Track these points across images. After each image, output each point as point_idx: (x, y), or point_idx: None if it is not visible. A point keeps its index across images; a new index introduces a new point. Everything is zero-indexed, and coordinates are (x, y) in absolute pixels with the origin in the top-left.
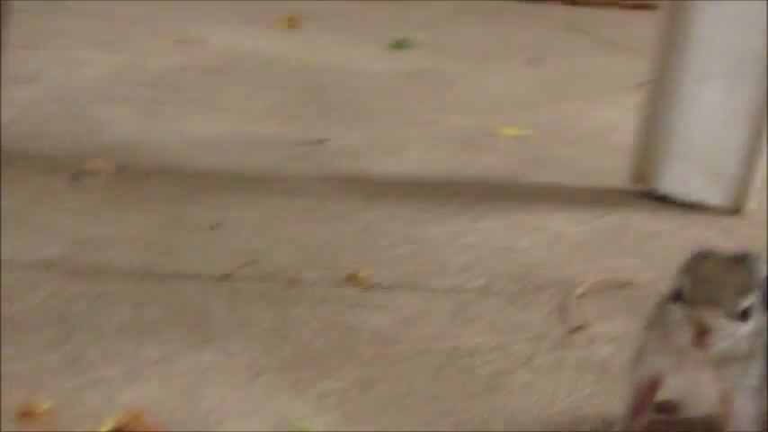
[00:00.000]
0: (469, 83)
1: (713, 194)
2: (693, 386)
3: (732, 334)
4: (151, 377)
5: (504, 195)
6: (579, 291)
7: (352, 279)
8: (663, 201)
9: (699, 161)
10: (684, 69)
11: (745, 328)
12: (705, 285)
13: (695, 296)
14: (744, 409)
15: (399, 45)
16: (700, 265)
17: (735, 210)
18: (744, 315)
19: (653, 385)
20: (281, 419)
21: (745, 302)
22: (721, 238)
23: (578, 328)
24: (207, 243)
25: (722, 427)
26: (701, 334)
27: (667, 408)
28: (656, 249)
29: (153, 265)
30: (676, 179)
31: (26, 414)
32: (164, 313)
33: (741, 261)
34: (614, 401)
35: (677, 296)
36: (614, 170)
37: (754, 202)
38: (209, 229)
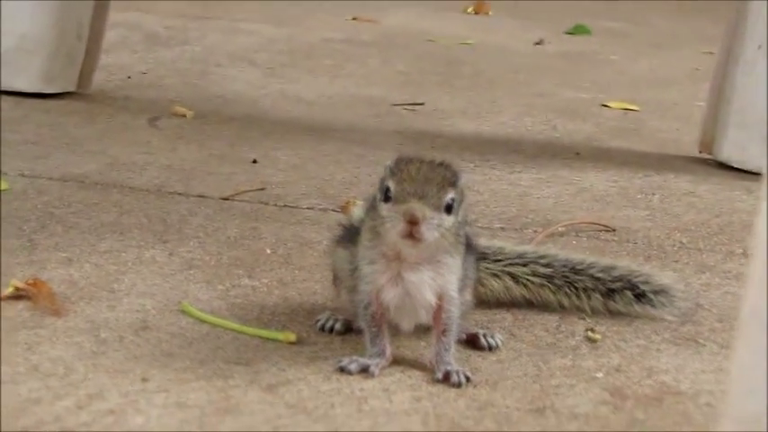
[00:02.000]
0: (619, 66)
1: None
2: (411, 291)
3: (439, 225)
4: (86, 262)
5: (561, 155)
6: (550, 230)
7: (345, 207)
8: (722, 168)
9: (755, 129)
10: (745, 36)
11: (450, 220)
12: (411, 183)
13: (403, 192)
14: (453, 300)
15: (576, 31)
16: (404, 166)
17: None
18: (448, 208)
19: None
20: (176, 302)
21: (449, 196)
22: (755, 201)
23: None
24: (234, 174)
25: (436, 317)
26: (412, 224)
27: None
28: (673, 206)
29: (167, 186)
30: (735, 146)
31: None
32: (144, 220)
33: (442, 164)
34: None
35: (386, 197)
36: (694, 142)
37: None
38: (250, 163)
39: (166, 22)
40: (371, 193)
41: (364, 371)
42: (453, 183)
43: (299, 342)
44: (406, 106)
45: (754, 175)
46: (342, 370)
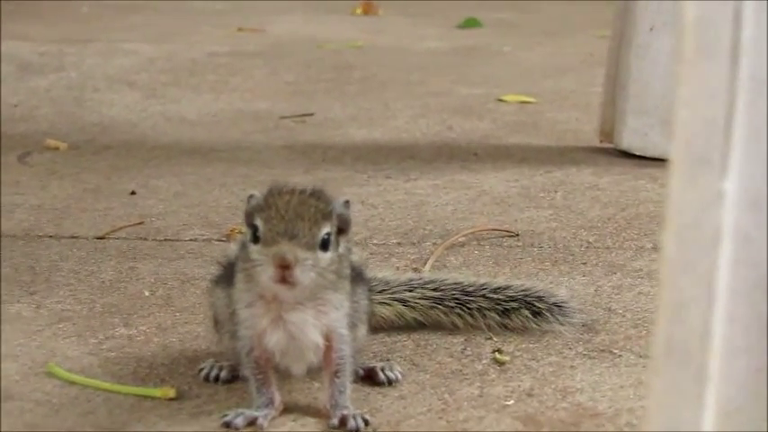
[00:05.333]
0: (512, 57)
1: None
2: (295, 332)
3: (315, 264)
4: None
5: (458, 157)
6: (449, 241)
7: (231, 235)
8: (624, 156)
9: (654, 114)
10: (636, 18)
11: (327, 257)
12: (280, 221)
13: (271, 233)
14: (342, 338)
15: (466, 24)
16: (272, 201)
17: None
18: (324, 245)
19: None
20: (43, 363)
21: (323, 232)
22: (661, 190)
23: (415, 270)
24: (110, 209)
25: (327, 358)
26: (283, 269)
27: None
28: (577, 203)
29: (36, 229)
30: (635, 134)
31: None
32: (10, 271)
33: (315, 195)
34: None
35: (254, 236)
36: (594, 131)
37: None
38: (128, 195)
39: (41, 49)
40: (243, 227)
41: (252, 424)
42: (327, 215)
43: (179, 397)
44: (294, 118)
45: (656, 161)
46: (227, 426)
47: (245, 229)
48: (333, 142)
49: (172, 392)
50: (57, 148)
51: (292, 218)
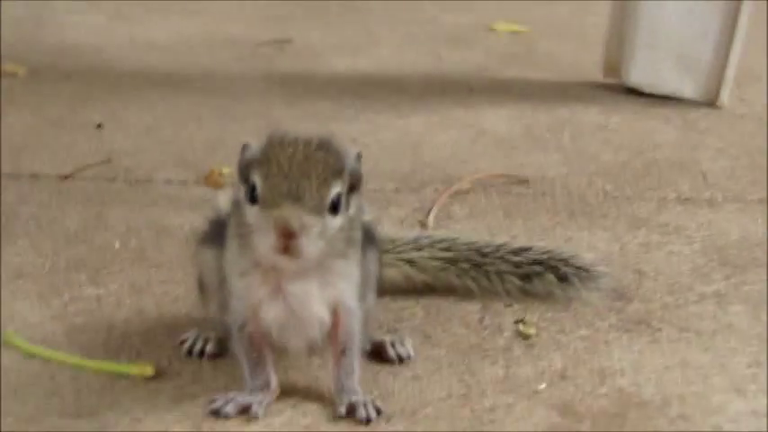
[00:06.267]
0: None
1: (684, 85)
2: (297, 306)
3: (323, 232)
4: None
5: (451, 91)
6: (453, 188)
7: (210, 178)
8: (632, 94)
9: (667, 49)
10: None
11: (337, 221)
12: (282, 178)
13: (272, 193)
14: (351, 312)
15: None
16: (273, 154)
17: (708, 102)
18: (334, 207)
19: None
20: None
21: (334, 191)
22: (676, 133)
23: (422, 224)
24: (74, 144)
25: (333, 335)
26: (287, 238)
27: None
28: (587, 145)
29: None
30: (645, 70)
31: None
32: None
33: (323, 146)
34: None
35: (251, 196)
36: (595, 65)
37: (727, 94)
38: (94, 128)
39: None
40: (236, 181)
41: (245, 412)
42: (338, 172)
43: (158, 375)
44: (271, 45)
45: (669, 100)
46: (216, 413)
47: (237, 182)
48: (314, 72)
49: (150, 370)
50: (15, 74)
51: (297, 175)
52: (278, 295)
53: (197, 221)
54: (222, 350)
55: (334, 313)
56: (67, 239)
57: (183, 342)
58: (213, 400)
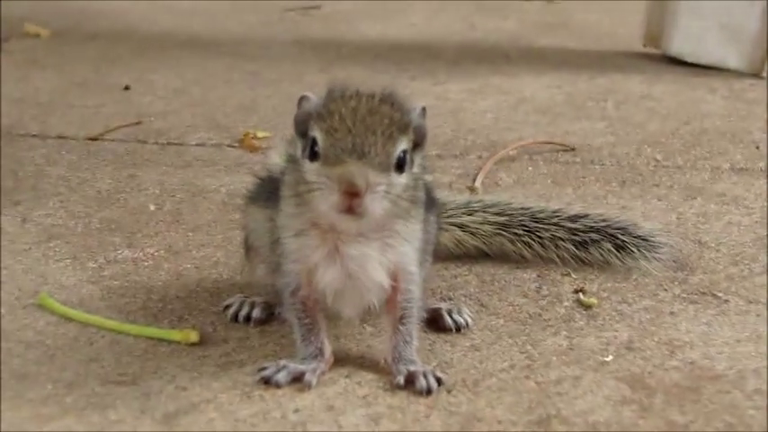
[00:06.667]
0: None
1: (728, 55)
2: (355, 270)
3: (389, 191)
4: None
5: (487, 59)
6: (499, 154)
7: (245, 141)
8: (674, 63)
9: (712, 17)
10: None
11: (402, 180)
12: (346, 133)
13: (335, 149)
14: (412, 277)
15: None
16: (335, 107)
17: (753, 72)
18: (399, 165)
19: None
20: (32, 292)
21: (399, 149)
22: (723, 103)
23: (471, 189)
24: (102, 105)
25: (391, 301)
26: (351, 197)
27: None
28: (632, 114)
29: (18, 126)
30: (688, 39)
31: None
32: None
33: (387, 100)
34: None
35: (311, 152)
36: (632, 35)
37: None
38: (121, 90)
39: None
40: (291, 134)
41: (297, 380)
42: (404, 127)
43: (202, 342)
44: (299, 10)
45: (712, 70)
46: (266, 382)
47: (293, 137)
48: (345, 38)
49: (194, 336)
50: (37, 35)
51: (362, 130)
52: (335, 258)
53: (234, 184)
54: (270, 316)
55: (394, 278)
56: (100, 201)
57: (227, 307)
58: (263, 368)
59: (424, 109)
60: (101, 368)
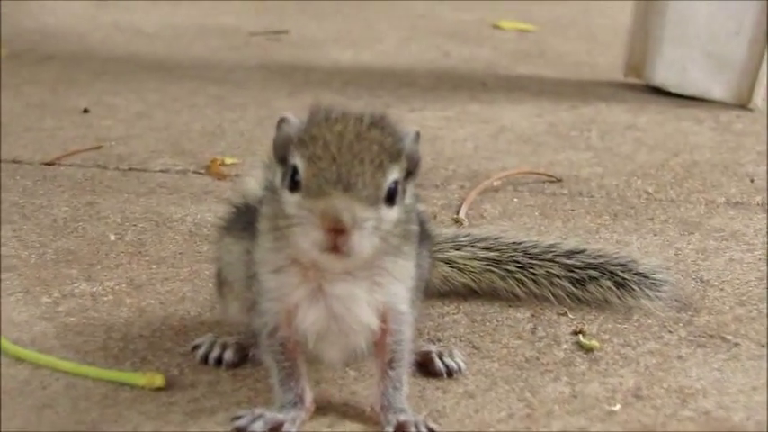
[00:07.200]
0: None
1: (714, 85)
2: (340, 311)
3: (378, 227)
4: None
5: (463, 86)
6: (483, 185)
7: (212, 168)
8: (657, 93)
9: (696, 47)
10: None
11: (393, 214)
12: (330, 162)
13: (319, 179)
14: (403, 318)
15: None
16: (320, 133)
17: (740, 103)
18: (390, 197)
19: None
20: None
21: (390, 179)
22: (711, 134)
23: (457, 222)
24: (59, 129)
25: (380, 343)
26: (335, 234)
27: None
28: (618, 145)
29: None
30: (672, 69)
31: None
32: None
33: (377, 124)
34: None
35: (292, 181)
36: (612, 65)
37: (761, 95)
38: (79, 113)
39: None
40: (269, 159)
41: (275, 431)
42: (396, 155)
43: (168, 386)
44: (267, 36)
45: (696, 101)
46: None
47: (271, 163)
48: (315, 64)
49: (159, 380)
50: None
51: (348, 159)
52: (318, 297)
53: (201, 213)
54: (243, 358)
55: (383, 319)
56: (56, 230)
57: (196, 348)
58: (237, 417)
59: (417, 134)
60: (55, 415)
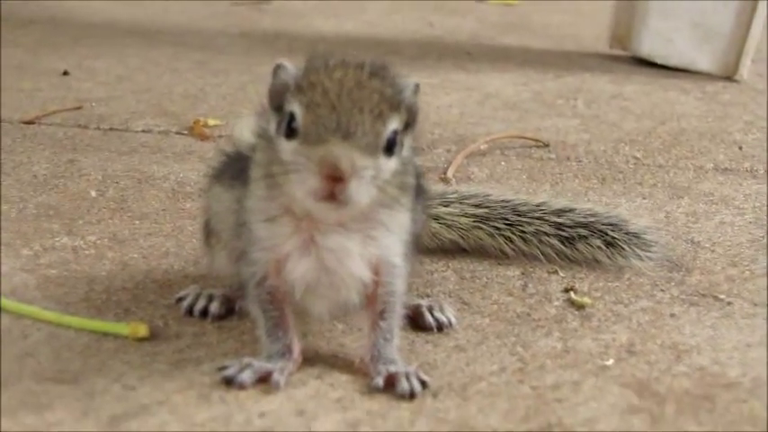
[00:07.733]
0: None
1: (700, 57)
2: (332, 263)
3: (376, 176)
4: None
5: (448, 55)
6: (470, 148)
7: (195, 129)
8: (642, 64)
9: (683, 18)
10: None
11: (392, 164)
12: (329, 109)
13: (317, 126)
14: (396, 271)
15: None
16: (318, 80)
17: (726, 75)
18: (389, 147)
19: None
20: None
21: (389, 129)
22: (698, 104)
23: (444, 180)
24: (38, 90)
25: (371, 296)
26: (333, 182)
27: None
28: (605, 112)
29: None
30: (658, 40)
31: None
32: None
33: (378, 73)
34: None
35: (288, 128)
36: (597, 37)
37: (747, 67)
38: (59, 75)
39: None
40: (263, 109)
41: (263, 381)
42: (396, 104)
43: (152, 337)
44: (249, 4)
45: (682, 72)
46: (228, 382)
47: (266, 111)
48: (297, 32)
49: (143, 330)
50: None
51: (348, 106)
52: (309, 249)
53: (184, 172)
54: (229, 311)
55: (376, 271)
56: (36, 186)
57: (181, 300)
58: (224, 367)
59: (417, 85)
60: (37, 364)
